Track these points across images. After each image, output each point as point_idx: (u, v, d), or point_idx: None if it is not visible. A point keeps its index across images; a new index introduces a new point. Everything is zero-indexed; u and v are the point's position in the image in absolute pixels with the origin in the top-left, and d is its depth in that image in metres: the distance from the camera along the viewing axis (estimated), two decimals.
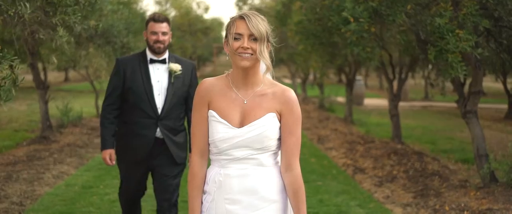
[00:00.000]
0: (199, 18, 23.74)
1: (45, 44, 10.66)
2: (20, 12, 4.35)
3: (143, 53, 4.72)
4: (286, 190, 2.78)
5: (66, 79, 30.59)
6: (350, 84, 15.16)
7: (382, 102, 23.20)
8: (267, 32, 2.72)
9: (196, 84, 4.69)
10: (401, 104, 11.86)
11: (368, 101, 22.95)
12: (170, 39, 4.74)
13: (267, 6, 21.73)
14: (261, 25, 2.69)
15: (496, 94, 26.04)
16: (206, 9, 24.09)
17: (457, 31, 5.98)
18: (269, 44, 2.76)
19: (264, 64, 2.78)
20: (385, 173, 8.59)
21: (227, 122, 2.74)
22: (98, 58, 11.30)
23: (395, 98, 11.47)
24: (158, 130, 4.62)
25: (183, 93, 4.70)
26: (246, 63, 2.69)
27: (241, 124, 2.74)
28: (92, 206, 6.53)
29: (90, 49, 11.42)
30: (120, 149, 4.78)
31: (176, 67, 4.64)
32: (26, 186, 7.16)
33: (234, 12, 50.74)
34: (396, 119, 11.41)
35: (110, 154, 4.68)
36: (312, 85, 21.95)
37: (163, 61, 4.68)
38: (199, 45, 27.45)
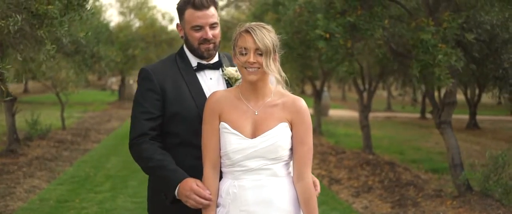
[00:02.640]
0: (164, 29, 23.57)
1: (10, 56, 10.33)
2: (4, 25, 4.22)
3: (181, 56, 3.03)
4: (299, 199, 2.78)
5: (26, 90, 29.83)
6: (318, 95, 15.29)
7: (346, 113, 23.52)
8: (273, 44, 2.72)
9: None
10: None
11: (333, 112, 23.21)
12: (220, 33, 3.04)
13: (233, 17, 21.76)
14: (267, 38, 2.69)
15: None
16: (171, 20, 24.01)
17: (440, 45, 6.10)
18: (277, 55, 2.75)
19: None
20: (360, 184, 8.67)
21: (239, 133, 2.73)
22: (67, 68, 11.04)
23: (365, 110, 11.63)
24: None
25: None
26: (253, 77, 2.70)
27: (253, 135, 2.73)
28: None
29: (58, 60, 11.14)
30: (157, 211, 3.04)
31: (237, 72, 3.02)
32: None
33: None
34: (366, 130, 11.56)
35: (196, 183, 2.74)
36: None
37: (216, 66, 3.05)
38: (162, 56, 27.29)
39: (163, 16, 24.20)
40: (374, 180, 8.83)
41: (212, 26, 2.95)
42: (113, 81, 36.39)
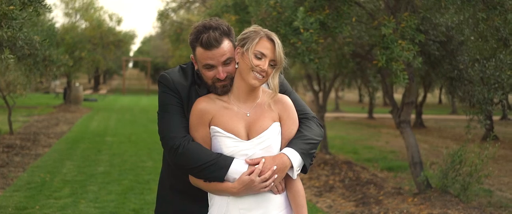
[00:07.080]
0: (111, 31, 23.01)
1: None
2: None
3: (199, 78, 2.85)
4: (287, 195, 2.80)
5: None
6: None
7: None
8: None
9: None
10: None
11: None
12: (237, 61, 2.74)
13: (184, 19, 21.51)
14: (282, 51, 2.71)
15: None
16: (119, 21, 23.47)
17: (400, 41, 6.27)
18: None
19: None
20: (322, 183, 8.78)
21: (234, 135, 2.71)
22: (16, 70, 10.62)
23: (321, 110, 11.79)
24: None
25: None
26: (257, 83, 2.68)
27: (248, 137, 2.72)
28: None
29: (8, 62, 10.71)
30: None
31: None
32: None
33: (149, 25, 49.71)
34: (323, 130, 11.70)
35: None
36: None
37: None
38: (110, 58, 26.68)
39: (111, 17, 23.67)
40: (335, 179, 8.97)
41: (226, 62, 2.73)
42: (57, 84, 35.37)
